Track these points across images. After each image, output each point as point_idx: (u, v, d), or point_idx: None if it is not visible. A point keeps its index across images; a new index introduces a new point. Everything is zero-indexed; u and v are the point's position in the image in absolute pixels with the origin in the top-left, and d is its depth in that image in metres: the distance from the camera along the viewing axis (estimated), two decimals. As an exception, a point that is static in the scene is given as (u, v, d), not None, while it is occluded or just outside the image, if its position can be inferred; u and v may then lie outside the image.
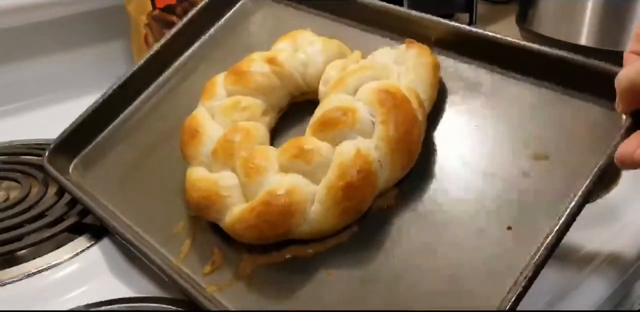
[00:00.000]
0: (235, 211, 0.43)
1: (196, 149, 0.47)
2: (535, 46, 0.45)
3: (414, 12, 0.52)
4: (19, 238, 0.51)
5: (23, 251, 0.50)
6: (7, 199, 0.57)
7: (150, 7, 0.69)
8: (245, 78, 0.49)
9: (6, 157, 0.64)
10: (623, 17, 0.78)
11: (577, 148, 0.40)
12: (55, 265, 0.49)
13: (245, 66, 0.50)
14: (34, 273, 0.48)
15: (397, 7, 0.53)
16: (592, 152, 0.38)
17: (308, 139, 0.44)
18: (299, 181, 0.42)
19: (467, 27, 0.48)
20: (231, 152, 0.45)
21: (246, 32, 0.60)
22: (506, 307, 0.34)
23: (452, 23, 0.49)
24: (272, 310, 0.41)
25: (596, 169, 0.37)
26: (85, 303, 0.45)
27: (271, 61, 0.50)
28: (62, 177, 0.54)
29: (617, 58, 0.82)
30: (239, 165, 0.44)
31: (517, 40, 0.46)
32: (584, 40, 0.81)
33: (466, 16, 1.05)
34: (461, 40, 0.48)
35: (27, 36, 0.74)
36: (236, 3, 0.63)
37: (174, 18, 0.69)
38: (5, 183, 0.60)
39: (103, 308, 0.44)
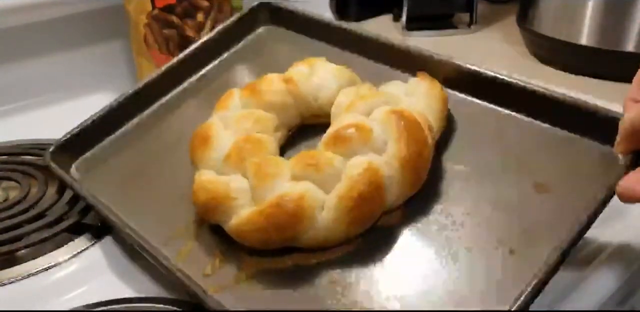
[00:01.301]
0: (243, 213, 0.44)
1: (207, 154, 0.48)
2: (541, 89, 0.47)
3: (425, 51, 0.54)
4: (18, 238, 0.51)
5: (23, 251, 0.50)
6: (6, 199, 0.57)
7: (150, 7, 0.69)
8: (261, 93, 0.51)
9: (6, 157, 0.64)
10: (623, 17, 0.78)
11: (577, 182, 0.42)
12: (55, 265, 0.49)
13: (262, 82, 0.52)
14: (34, 273, 0.48)
15: (408, 45, 0.56)
16: (592, 186, 0.41)
17: (321, 151, 0.45)
18: (310, 188, 0.43)
19: (475, 68, 0.51)
20: (244, 157, 0.46)
21: (260, 58, 0.61)
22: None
23: (461, 63, 0.52)
24: (272, 310, 0.41)
25: (597, 201, 0.39)
26: (85, 303, 0.44)
27: (287, 80, 0.52)
28: (64, 174, 0.54)
29: (617, 58, 0.82)
30: (252, 169, 0.45)
31: (523, 83, 0.48)
32: (584, 40, 0.81)
33: (466, 16, 1.05)
34: (469, 80, 0.51)
35: (27, 36, 0.74)
36: (252, 32, 0.65)
37: (174, 18, 0.69)
38: (5, 183, 0.60)
39: (103, 308, 0.44)
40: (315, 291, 0.41)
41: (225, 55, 0.64)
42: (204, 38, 0.63)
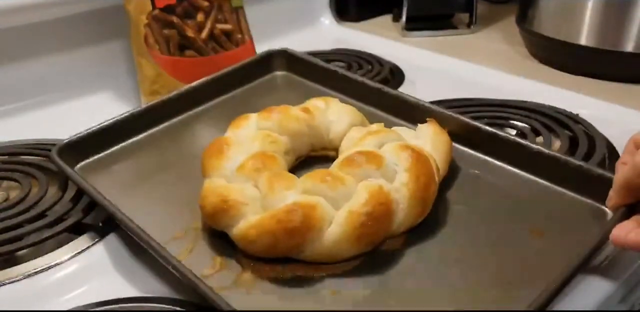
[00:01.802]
0: (253, 218, 0.45)
1: (219, 163, 0.49)
2: (538, 147, 0.51)
3: (431, 105, 0.58)
4: (19, 238, 0.51)
5: (23, 251, 0.50)
6: (7, 199, 0.57)
7: (150, 7, 0.69)
8: (279, 117, 0.53)
9: (6, 157, 0.64)
10: (623, 17, 0.78)
11: (570, 231, 0.46)
12: (55, 265, 0.49)
13: (280, 108, 0.55)
14: (34, 273, 0.48)
15: (416, 98, 0.60)
16: (584, 235, 0.44)
17: (334, 170, 0.47)
18: (322, 201, 0.45)
19: (478, 124, 0.55)
20: (257, 168, 0.48)
21: (272, 97, 0.63)
22: None
23: (465, 118, 0.55)
24: (275, 310, 0.42)
25: (589, 247, 0.42)
26: (85, 303, 0.45)
27: (305, 110, 0.55)
28: (70, 169, 0.54)
29: (616, 58, 0.82)
30: (265, 179, 0.47)
31: (523, 141, 0.52)
32: (584, 40, 0.82)
33: (466, 16, 1.05)
34: (472, 135, 0.54)
35: (27, 36, 0.74)
36: (267, 74, 0.70)
37: (174, 18, 0.69)
38: (5, 183, 0.60)
39: (103, 308, 0.44)
40: (314, 299, 0.42)
41: (238, 90, 0.68)
42: (222, 71, 0.67)
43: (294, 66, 0.70)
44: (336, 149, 0.54)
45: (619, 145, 0.64)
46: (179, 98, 0.64)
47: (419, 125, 0.54)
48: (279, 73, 0.71)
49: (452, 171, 0.53)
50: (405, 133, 0.53)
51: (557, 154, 0.50)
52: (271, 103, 0.56)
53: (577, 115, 0.69)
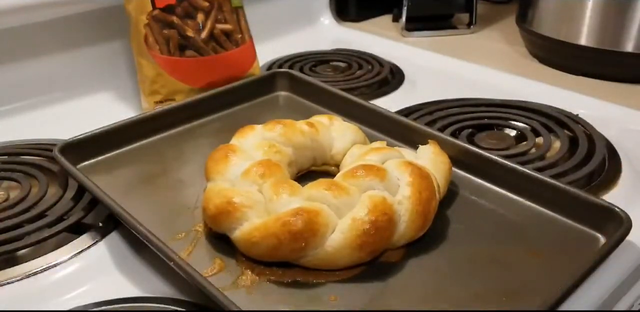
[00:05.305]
0: (257, 221, 0.45)
1: (225, 167, 0.50)
2: (535, 174, 0.52)
3: (431, 130, 0.59)
4: (19, 238, 0.51)
5: (23, 251, 0.50)
6: (7, 199, 0.57)
7: (150, 7, 0.69)
8: (285, 129, 0.54)
9: (6, 157, 0.64)
10: (623, 17, 0.78)
11: (567, 252, 0.46)
12: (55, 265, 0.49)
13: (286, 121, 0.55)
14: (34, 273, 0.48)
15: (416, 122, 0.61)
16: (582, 256, 0.45)
17: (339, 180, 0.48)
18: (326, 208, 0.45)
19: (475, 149, 0.56)
20: (263, 174, 0.48)
21: (274, 115, 0.63)
22: None
23: (466, 145, 0.56)
24: (277, 310, 0.42)
25: (582, 270, 0.42)
26: (85, 303, 0.45)
27: (309, 125, 0.55)
28: (72, 167, 0.54)
29: (616, 58, 0.83)
30: (269, 185, 0.47)
31: (520, 167, 0.53)
32: (583, 40, 0.82)
33: (466, 16, 1.05)
34: (472, 161, 0.55)
35: (27, 36, 0.74)
36: (267, 94, 0.71)
37: (174, 18, 0.69)
38: (5, 183, 0.60)
39: (103, 308, 0.44)
40: (314, 303, 0.42)
41: (241, 106, 0.69)
42: (226, 87, 0.68)
43: (296, 87, 0.71)
44: (337, 165, 0.55)
45: (619, 146, 0.64)
46: (182, 109, 0.65)
47: (420, 146, 0.54)
48: (281, 93, 0.72)
49: (451, 194, 0.53)
50: (406, 153, 0.53)
51: (554, 181, 0.51)
52: (273, 119, 0.57)
53: (577, 115, 0.69)
